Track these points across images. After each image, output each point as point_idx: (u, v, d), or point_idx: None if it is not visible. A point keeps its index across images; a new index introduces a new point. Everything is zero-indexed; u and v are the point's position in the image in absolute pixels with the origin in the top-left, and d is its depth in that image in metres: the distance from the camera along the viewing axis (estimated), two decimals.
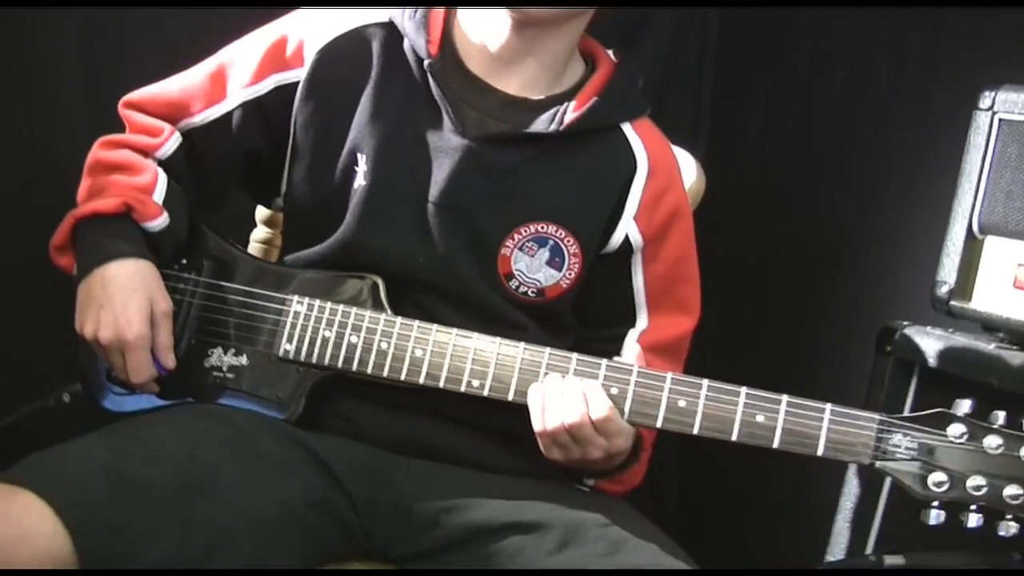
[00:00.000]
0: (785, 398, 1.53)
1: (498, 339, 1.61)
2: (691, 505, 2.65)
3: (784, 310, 2.51)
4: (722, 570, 1.95)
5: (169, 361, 1.67)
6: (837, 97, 2.46)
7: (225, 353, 1.72)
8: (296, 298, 1.69)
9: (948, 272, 1.95)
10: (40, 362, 2.23)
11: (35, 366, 2.19)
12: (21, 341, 2.32)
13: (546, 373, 1.59)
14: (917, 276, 2.09)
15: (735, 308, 2.36)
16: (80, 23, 2.25)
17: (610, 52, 1.81)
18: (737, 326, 2.42)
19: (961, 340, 1.93)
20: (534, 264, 1.71)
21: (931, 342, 1.95)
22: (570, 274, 1.72)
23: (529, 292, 1.71)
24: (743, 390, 1.54)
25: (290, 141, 1.74)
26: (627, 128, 1.76)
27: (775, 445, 1.53)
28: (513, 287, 1.71)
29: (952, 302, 1.95)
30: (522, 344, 1.61)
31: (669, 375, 1.56)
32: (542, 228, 1.70)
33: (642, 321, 1.78)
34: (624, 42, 1.86)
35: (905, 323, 2.01)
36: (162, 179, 1.71)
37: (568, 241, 1.71)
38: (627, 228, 1.73)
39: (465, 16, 1.74)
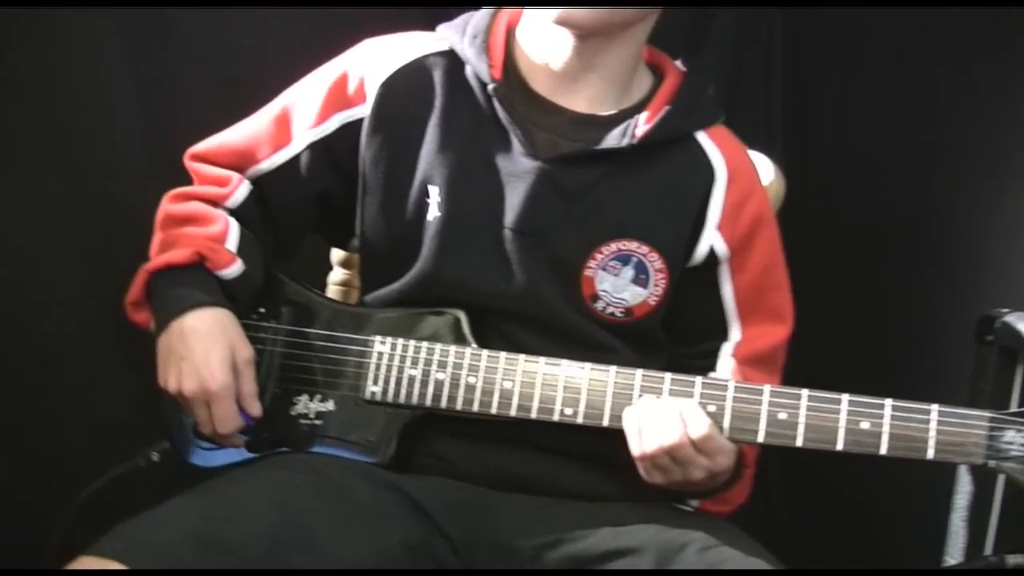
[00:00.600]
0: (889, 402, 1.50)
1: (588, 364, 1.59)
2: (801, 517, 2.60)
3: (877, 308, 2.46)
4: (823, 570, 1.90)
5: (255, 409, 1.66)
6: (915, 83, 2.41)
7: (311, 400, 1.71)
8: (379, 338, 1.68)
9: None
10: (127, 422, 2.25)
11: (123, 427, 2.21)
12: (106, 402, 2.34)
13: (640, 395, 1.56)
14: (1014, 261, 2.04)
15: (827, 311, 2.32)
16: (137, 73, 2.28)
17: (677, 62, 1.79)
18: (831, 329, 2.37)
19: None
20: (619, 283, 1.68)
21: None
22: (657, 290, 1.70)
23: (616, 312, 1.69)
24: (845, 397, 1.51)
25: (360, 179, 1.73)
26: (701, 136, 1.74)
27: (883, 452, 1.49)
28: (600, 308, 1.68)
29: None
30: (613, 368, 1.58)
31: (767, 387, 1.53)
32: (624, 246, 1.68)
33: (735, 333, 1.75)
34: (687, 52, 1.83)
35: (1005, 310, 1.96)
36: (234, 227, 1.71)
37: (651, 257, 1.68)
38: (711, 239, 1.71)
39: (525, 36, 1.73)
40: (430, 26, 1.80)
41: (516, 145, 1.68)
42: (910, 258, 2.44)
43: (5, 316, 2.34)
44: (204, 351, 1.60)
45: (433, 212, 1.68)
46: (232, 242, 1.69)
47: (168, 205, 1.76)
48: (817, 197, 2.42)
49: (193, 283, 1.65)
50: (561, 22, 1.62)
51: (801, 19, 2.51)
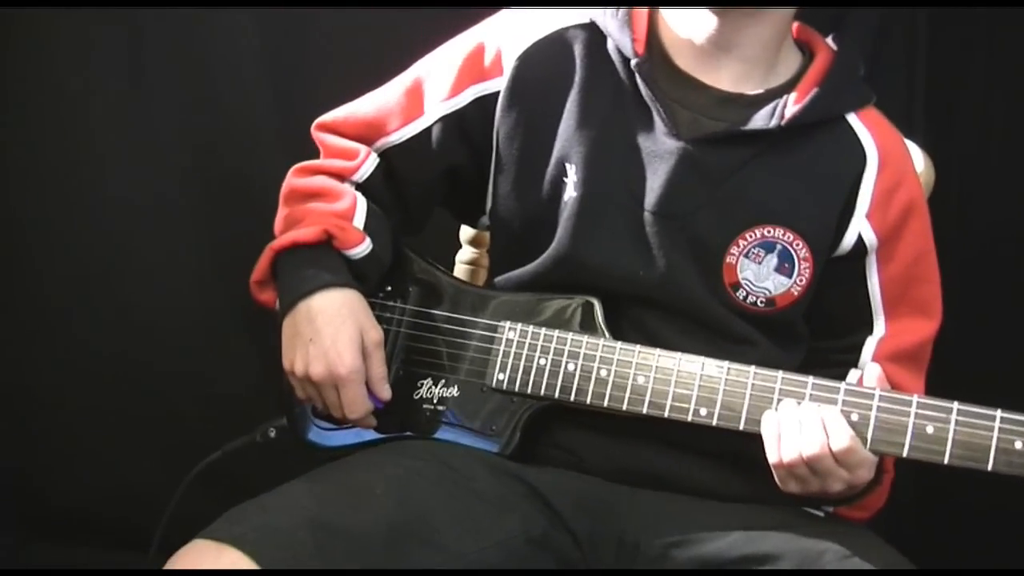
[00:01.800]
0: None
1: (726, 363, 1.56)
2: (931, 518, 2.55)
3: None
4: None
5: (385, 393, 1.65)
6: None
7: (435, 384, 1.70)
8: (508, 324, 1.66)
9: None
10: (245, 397, 2.28)
11: (240, 401, 2.24)
12: (228, 377, 2.37)
13: (780, 399, 1.53)
14: None
15: (974, 308, 2.27)
16: (264, 45, 2.29)
17: (828, 39, 1.74)
18: (978, 328, 2.31)
19: None
20: (762, 272, 1.65)
21: None
22: (801, 280, 1.66)
23: (758, 302, 1.65)
24: (998, 414, 1.45)
25: (493, 154, 1.72)
26: (852, 119, 1.69)
27: None
28: (741, 297, 1.65)
29: None
30: (752, 368, 1.55)
31: (915, 398, 1.48)
32: (769, 232, 1.64)
33: (879, 328, 1.70)
34: (828, 26, 1.79)
35: None
36: (361, 203, 1.70)
37: (797, 244, 1.64)
38: (860, 227, 1.66)
39: (668, 11, 1.69)
40: None
41: (658, 124, 1.64)
42: None
43: (127, 288, 2.38)
44: (333, 333, 1.60)
45: (569, 192, 1.66)
46: (360, 219, 1.68)
47: (293, 179, 1.75)
48: (960, 184, 2.36)
49: (321, 263, 1.64)
50: None
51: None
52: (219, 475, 1.83)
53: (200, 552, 1.43)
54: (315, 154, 1.79)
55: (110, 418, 2.50)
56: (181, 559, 1.44)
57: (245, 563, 1.40)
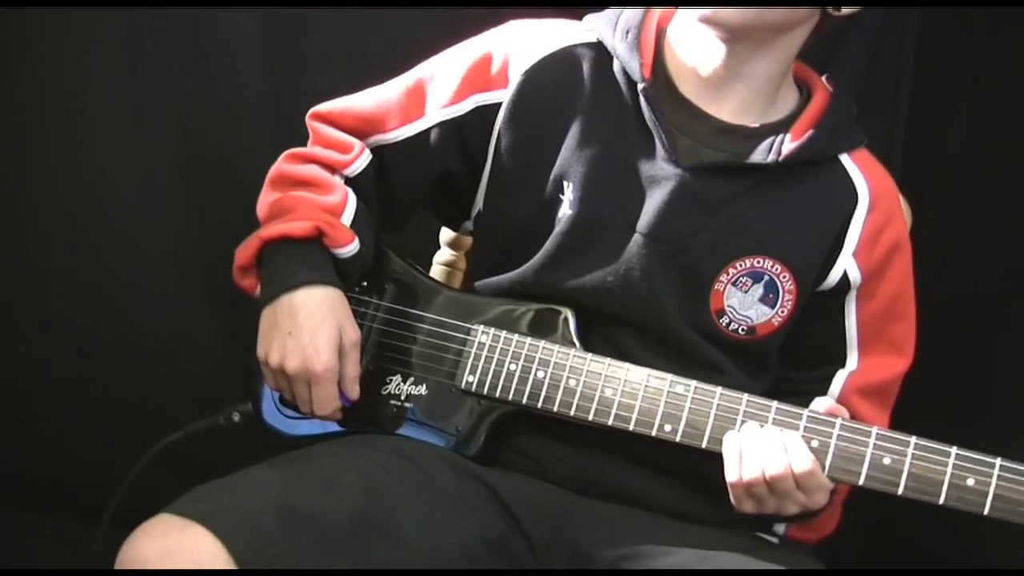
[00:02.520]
0: (999, 462, 1.50)
1: (693, 382, 1.61)
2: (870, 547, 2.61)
3: (991, 356, 2.46)
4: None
5: (354, 393, 1.68)
6: None
7: (404, 381, 1.73)
8: (482, 328, 1.70)
9: None
10: (212, 378, 2.30)
11: (206, 383, 2.26)
12: (194, 356, 2.39)
13: (743, 421, 1.58)
14: None
15: (938, 351, 2.33)
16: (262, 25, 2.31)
17: (823, 78, 1.79)
18: (935, 371, 2.38)
19: None
20: (747, 300, 1.70)
21: None
22: (783, 311, 1.71)
23: (739, 330, 1.70)
24: (953, 451, 1.51)
25: (488, 164, 1.75)
26: (845, 159, 1.75)
27: (986, 512, 1.49)
28: (724, 324, 1.70)
29: None
30: (719, 388, 1.60)
31: (875, 430, 1.54)
32: (758, 263, 1.69)
33: (852, 362, 1.76)
34: (819, 60, 1.85)
35: None
36: (351, 200, 1.73)
37: (784, 277, 1.70)
38: (846, 264, 1.72)
39: (675, 37, 1.74)
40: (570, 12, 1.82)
41: (658, 149, 1.69)
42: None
43: (102, 263, 2.39)
44: (312, 330, 1.63)
45: (564, 210, 1.69)
46: (348, 216, 1.71)
47: (285, 164, 1.77)
48: (932, 227, 2.43)
49: (308, 258, 1.67)
50: (707, 20, 1.63)
51: (937, 37, 2.51)
52: (178, 454, 1.86)
53: (165, 527, 1.44)
54: (302, 139, 1.82)
55: (74, 388, 2.52)
56: (145, 532, 1.45)
57: (210, 541, 1.42)
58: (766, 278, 1.70)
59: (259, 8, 2.30)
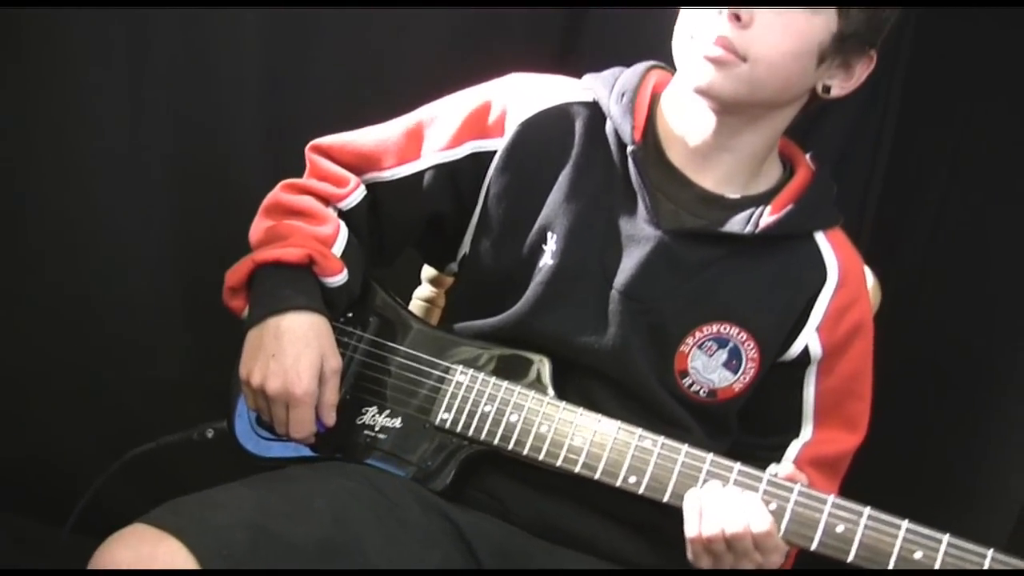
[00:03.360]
0: (947, 538, 1.55)
1: (661, 438, 1.67)
2: None
3: (933, 436, 2.54)
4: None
5: (331, 420, 1.74)
6: (1013, 221, 2.51)
7: (380, 413, 1.79)
8: (461, 368, 1.76)
9: None
10: (186, 393, 2.34)
11: (181, 395, 2.30)
12: (171, 367, 2.42)
13: (706, 479, 1.64)
14: None
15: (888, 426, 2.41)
16: (264, 56, 2.36)
17: (807, 156, 1.87)
18: (888, 445, 2.46)
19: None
20: (711, 364, 1.77)
21: None
22: (744, 378, 1.78)
23: (701, 392, 1.77)
24: (904, 524, 1.57)
25: (478, 209, 1.81)
26: (820, 237, 1.82)
27: None
28: (686, 384, 1.76)
29: None
30: (684, 446, 1.66)
31: (831, 498, 1.60)
32: (725, 329, 1.76)
33: (807, 433, 1.83)
34: (797, 136, 1.91)
35: None
36: (343, 232, 1.79)
37: (748, 345, 1.77)
38: (808, 338, 1.79)
39: (669, 104, 1.80)
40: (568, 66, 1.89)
41: (641, 210, 1.75)
42: (968, 396, 2.52)
43: (77, 268, 2.41)
44: (296, 354, 1.69)
45: (546, 259, 1.76)
46: (339, 247, 1.77)
47: (281, 193, 1.84)
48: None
49: (298, 285, 1.73)
50: (702, 92, 1.70)
51: (914, 126, 2.61)
52: (147, 465, 1.89)
53: (140, 536, 1.50)
54: (294, 169, 1.88)
55: (46, 390, 2.55)
56: (120, 540, 1.51)
57: (183, 554, 1.47)
58: (731, 344, 1.77)
59: (264, 12, 2.33)
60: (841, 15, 1.69)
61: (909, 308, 2.49)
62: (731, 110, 1.73)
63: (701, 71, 1.68)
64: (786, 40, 1.67)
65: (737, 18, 1.64)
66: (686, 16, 1.71)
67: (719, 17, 1.65)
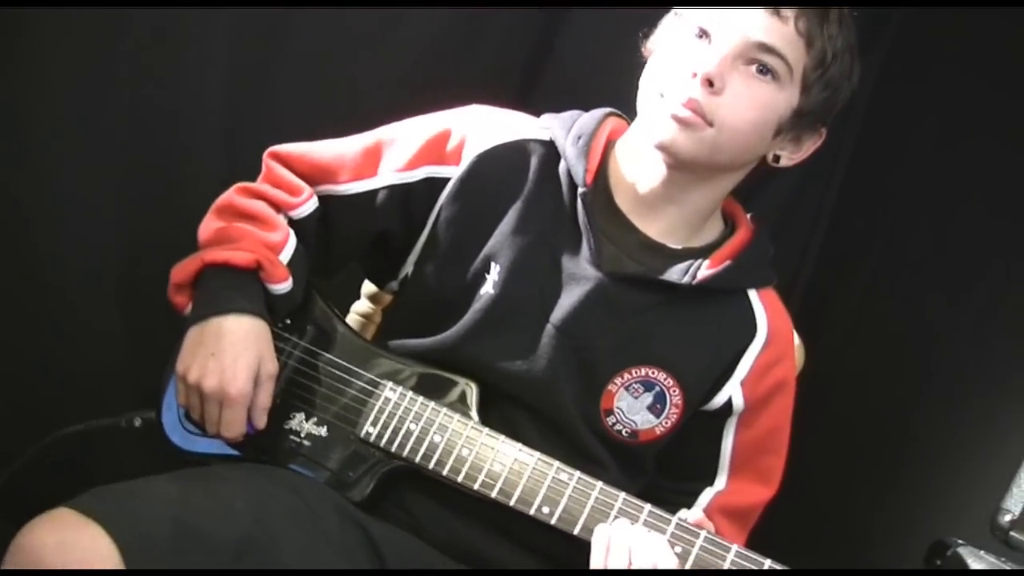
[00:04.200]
0: None
1: (577, 472, 1.73)
2: None
3: (844, 497, 2.62)
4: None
5: (261, 423, 1.78)
6: (939, 298, 2.60)
7: (307, 420, 1.84)
8: (391, 384, 1.82)
9: (1015, 503, 2.03)
10: (117, 380, 2.37)
11: (112, 383, 2.33)
12: (104, 354, 2.44)
13: (616, 517, 1.70)
14: (980, 496, 2.19)
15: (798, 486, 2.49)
16: (231, 57, 2.38)
17: (748, 216, 1.94)
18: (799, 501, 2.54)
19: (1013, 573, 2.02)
20: (635, 406, 1.83)
21: (981, 567, 2.04)
22: (667, 422, 1.84)
23: (623, 431, 1.83)
24: None
25: (426, 233, 1.87)
26: (753, 295, 1.89)
27: None
28: (610, 423, 1.82)
29: (1012, 533, 2.01)
30: (599, 483, 1.72)
31: (734, 547, 1.66)
32: (652, 373, 1.82)
33: (721, 482, 1.89)
34: (744, 193, 1.98)
35: (959, 541, 2.08)
36: (292, 241, 1.83)
37: (674, 391, 1.83)
38: (732, 390, 1.86)
39: (623, 151, 1.87)
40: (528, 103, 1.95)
41: (584, 251, 1.82)
42: (884, 460, 2.61)
43: (23, 252, 2.40)
44: (234, 354, 1.73)
45: (487, 288, 1.82)
46: (287, 255, 1.82)
47: (235, 196, 1.88)
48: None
49: (244, 288, 1.78)
50: (662, 148, 1.77)
51: (853, 199, 2.70)
52: (69, 451, 1.94)
53: (65, 521, 1.53)
54: (250, 172, 1.92)
55: None
56: (44, 523, 1.54)
57: (105, 542, 1.50)
58: (657, 388, 1.83)
59: (236, 15, 2.34)
60: (803, 92, 1.78)
61: (834, 371, 2.56)
62: (685, 168, 1.80)
63: (666, 129, 1.75)
64: (752, 110, 1.76)
65: (710, 83, 1.72)
66: (657, 71, 1.79)
67: (692, 80, 1.73)
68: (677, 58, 1.77)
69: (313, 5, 2.35)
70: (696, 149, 1.76)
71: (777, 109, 1.79)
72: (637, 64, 1.85)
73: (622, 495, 1.72)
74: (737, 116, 1.75)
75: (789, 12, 1.75)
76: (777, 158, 1.86)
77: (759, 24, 1.74)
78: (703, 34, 1.76)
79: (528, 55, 2.49)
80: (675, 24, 1.82)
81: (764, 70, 1.75)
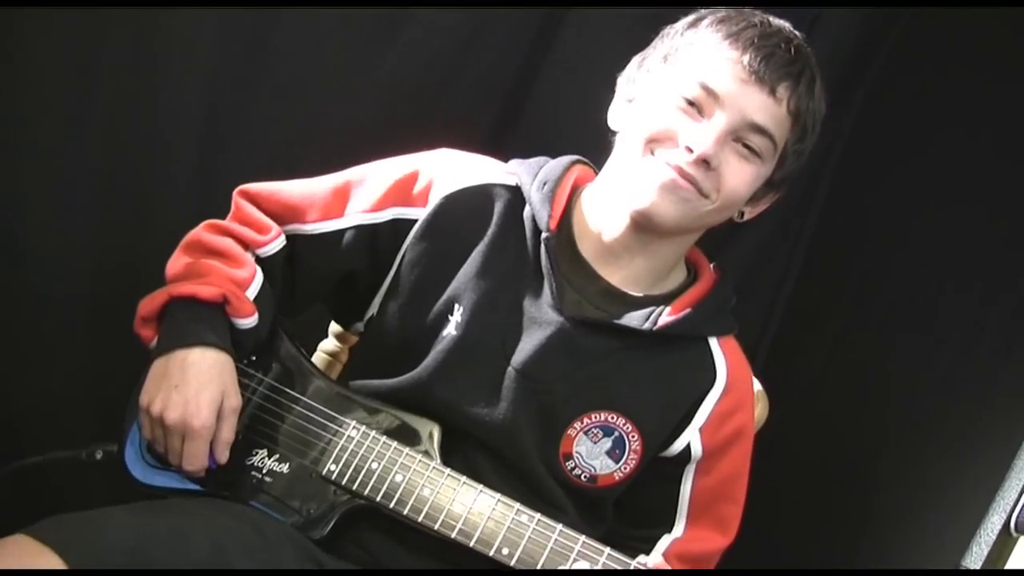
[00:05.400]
0: None
1: (537, 515, 1.75)
2: None
3: (813, 546, 2.65)
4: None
5: (223, 457, 1.80)
6: (908, 350, 2.65)
7: (269, 457, 1.86)
8: (354, 423, 1.84)
9: (975, 560, 2.09)
10: (81, 411, 2.38)
11: (72, 414, 2.34)
12: (68, 386, 2.45)
13: (576, 560, 1.72)
14: (942, 554, 2.23)
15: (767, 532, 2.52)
16: (209, 91, 2.40)
17: (712, 265, 1.98)
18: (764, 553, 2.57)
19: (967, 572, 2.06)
20: (594, 450, 1.86)
21: None
22: (625, 468, 1.88)
23: (582, 476, 1.86)
24: None
25: (391, 274, 1.90)
26: (713, 342, 1.93)
27: None
28: (568, 467, 1.86)
29: None
30: (559, 525, 1.74)
31: None
32: (612, 418, 1.86)
33: (678, 529, 1.92)
34: (713, 245, 2.04)
35: None
36: (259, 278, 1.86)
37: (633, 436, 1.86)
38: (690, 437, 1.89)
39: (589, 200, 1.92)
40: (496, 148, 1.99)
41: (546, 295, 1.86)
42: (847, 514, 2.64)
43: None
44: (198, 388, 1.76)
45: (449, 330, 1.86)
46: (253, 291, 1.84)
47: (203, 232, 1.91)
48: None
49: (209, 321, 1.80)
50: (646, 212, 1.82)
51: (822, 260, 2.76)
52: (29, 478, 1.94)
53: (22, 548, 1.56)
54: (219, 209, 1.95)
55: None
56: (1, 548, 1.56)
57: (61, 568, 1.53)
58: (616, 434, 1.87)
59: (219, 47, 2.36)
60: (779, 163, 1.85)
61: (800, 422, 2.62)
62: (654, 229, 1.85)
63: (652, 195, 1.81)
64: (742, 187, 1.84)
65: (706, 163, 1.78)
66: (644, 130, 1.84)
67: (687, 154, 1.78)
68: (667, 122, 1.82)
69: (290, 38, 2.39)
70: (682, 218, 1.82)
71: (758, 181, 1.86)
72: (602, 110, 1.91)
73: (582, 538, 1.74)
74: (730, 191, 1.82)
75: (784, 93, 1.80)
76: (741, 214, 1.93)
77: (755, 104, 1.80)
78: (696, 104, 1.81)
79: (503, 99, 2.52)
80: (663, 77, 1.86)
81: (750, 148, 1.81)
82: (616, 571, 1.69)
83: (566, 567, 1.72)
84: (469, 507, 1.78)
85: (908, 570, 2.37)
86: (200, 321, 1.80)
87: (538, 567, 1.74)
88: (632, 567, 1.72)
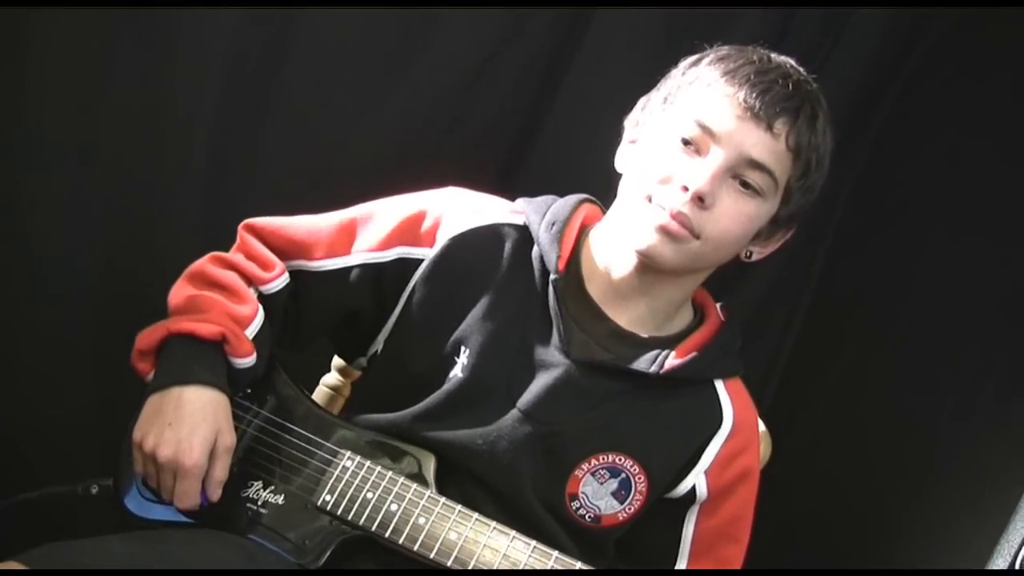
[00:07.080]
0: None
1: (533, 542, 1.77)
2: None
3: None
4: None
5: (215, 495, 1.81)
6: (915, 392, 2.66)
7: (264, 488, 1.87)
8: (349, 453, 1.86)
9: None
10: (79, 439, 2.40)
11: (73, 442, 2.36)
12: (68, 416, 2.47)
13: None
14: None
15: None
16: (219, 122, 2.43)
17: (718, 306, 2.01)
18: None
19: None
20: (600, 491, 1.88)
21: None
22: (630, 509, 1.89)
23: (587, 516, 1.88)
24: None
25: (397, 312, 1.92)
26: (719, 385, 1.95)
27: None
28: (573, 508, 1.87)
29: None
30: (555, 553, 1.76)
31: None
32: (619, 460, 1.87)
33: (680, 568, 1.93)
34: (722, 284, 2.05)
35: None
36: (260, 316, 1.88)
37: (639, 478, 1.88)
38: (696, 479, 1.91)
39: (597, 240, 1.94)
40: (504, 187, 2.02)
41: (554, 337, 1.88)
42: (849, 550, 2.66)
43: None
44: (192, 426, 1.77)
45: (456, 372, 1.88)
46: (253, 330, 1.86)
47: (207, 264, 1.93)
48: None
49: (207, 360, 1.82)
50: (644, 255, 1.84)
51: (829, 302, 2.79)
52: (27, 510, 1.98)
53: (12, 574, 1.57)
54: (224, 241, 1.97)
55: None
56: None
57: None
58: (623, 475, 1.88)
59: (231, 81, 2.39)
60: (784, 200, 1.86)
61: (807, 464, 2.65)
62: (659, 268, 1.87)
63: (649, 237, 1.82)
64: (738, 226, 1.84)
65: (701, 200, 1.80)
66: (643, 174, 1.86)
67: (681, 192, 1.80)
68: (666, 165, 1.83)
69: (301, 72, 2.42)
70: (679, 259, 1.83)
71: (760, 220, 1.87)
72: (609, 151, 1.93)
73: (578, 564, 1.76)
74: (723, 230, 1.83)
75: (781, 128, 1.82)
76: (749, 254, 1.94)
77: (752, 140, 1.81)
78: (693, 143, 1.83)
79: (512, 137, 2.56)
80: (663, 119, 1.89)
81: (750, 185, 1.82)
82: (615, 571, 1.70)
83: None
84: (464, 535, 1.79)
85: (909, 570, 2.37)
86: (197, 359, 1.81)
87: None
88: None
